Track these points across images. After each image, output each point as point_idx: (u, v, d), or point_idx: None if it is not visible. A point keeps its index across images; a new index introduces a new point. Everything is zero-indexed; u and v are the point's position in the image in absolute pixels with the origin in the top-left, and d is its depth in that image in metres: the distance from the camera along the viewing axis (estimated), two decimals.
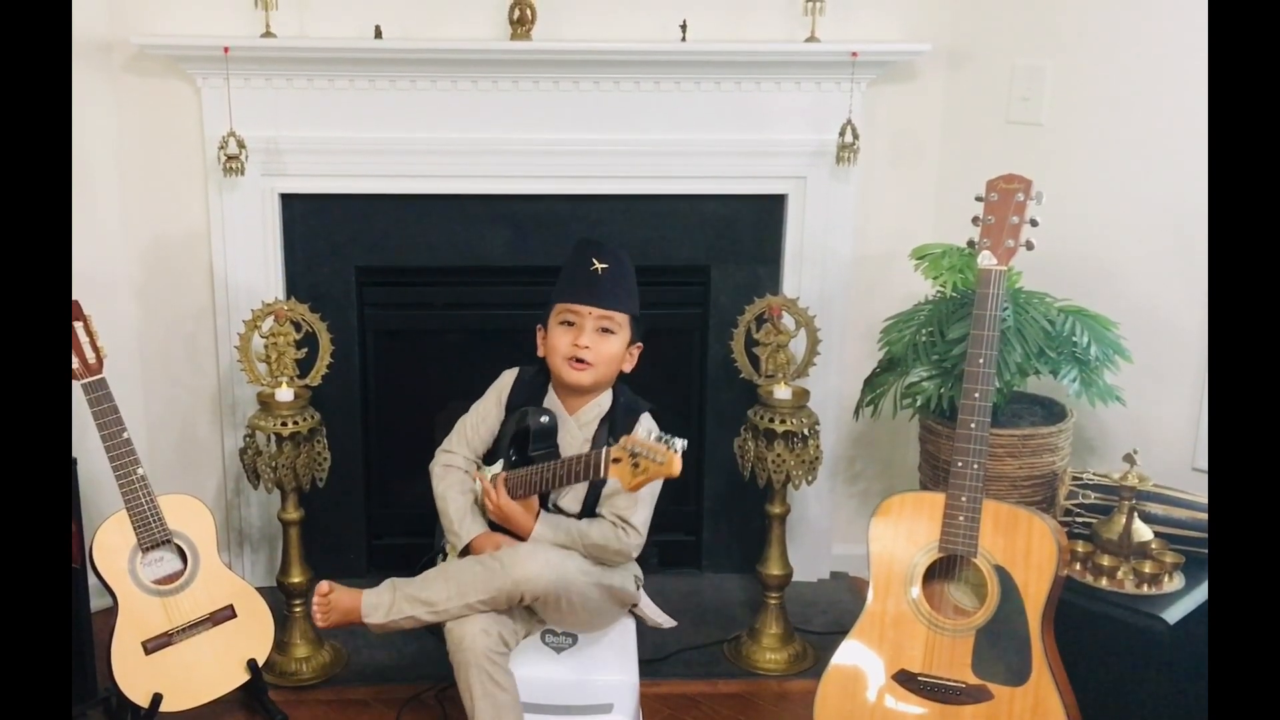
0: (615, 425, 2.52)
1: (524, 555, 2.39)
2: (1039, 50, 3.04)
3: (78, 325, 2.49)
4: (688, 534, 3.50)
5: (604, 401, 2.57)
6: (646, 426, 2.40)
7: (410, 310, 3.28)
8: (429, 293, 3.23)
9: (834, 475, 3.43)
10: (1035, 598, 2.22)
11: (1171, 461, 2.82)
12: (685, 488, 3.49)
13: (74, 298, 2.50)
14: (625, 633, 2.60)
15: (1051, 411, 2.84)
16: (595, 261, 2.47)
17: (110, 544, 2.57)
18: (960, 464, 2.27)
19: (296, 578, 2.91)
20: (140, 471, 2.56)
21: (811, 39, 3.02)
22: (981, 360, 2.28)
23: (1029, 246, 2.33)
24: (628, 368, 2.57)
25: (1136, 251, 2.91)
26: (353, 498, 3.31)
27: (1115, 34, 2.90)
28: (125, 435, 2.53)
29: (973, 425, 2.27)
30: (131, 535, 2.58)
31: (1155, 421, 2.87)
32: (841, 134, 3.05)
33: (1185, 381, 2.85)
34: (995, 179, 2.37)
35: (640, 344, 2.58)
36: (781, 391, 2.87)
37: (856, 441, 3.43)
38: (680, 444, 2.11)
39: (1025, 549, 2.23)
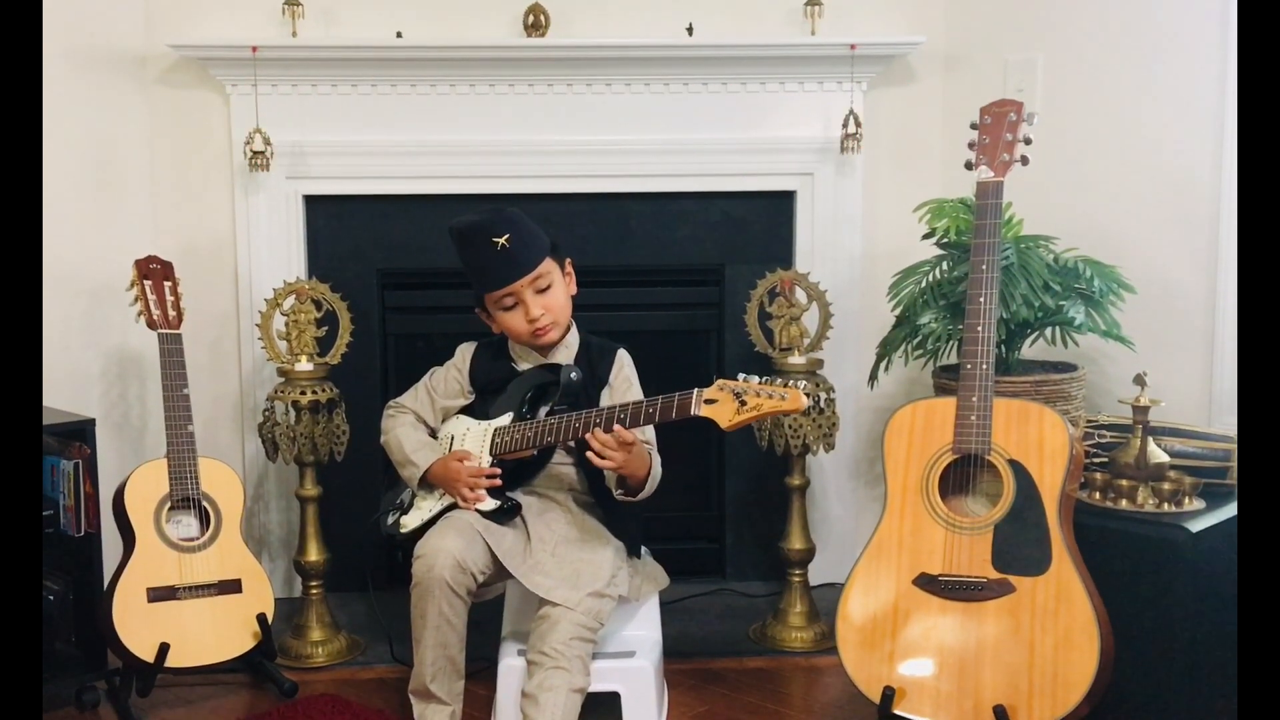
0: (594, 366, 2.57)
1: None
2: (1029, 44, 3.17)
3: (166, 285, 2.73)
4: (710, 541, 3.46)
5: (571, 342, 2.60)
6: (629, 363, 2.57)
7: (432, 314, 3.34)
8: (450, 296, 3.28)
9: (855, 477, 3.40)
10: (1051, 487, 2.19)
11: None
12: (706, 492, 3.47)
13: (168, 260, 2.79)
14: (651, 599, 2.66)
15: (1065, 371, 2.84)
16: (495, 240, 2.44)
17: (143, 487, 2.64)
18: (969, 366, 2.28)
19: (313, 556, 2.90)
20: (190, 429, 2.66)
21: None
22: (984, 266, 2.31)
23: (1024, 161, 2.39)
24: (573, 290, 2.60)
25: (1137, 224, 2.96)
26: (373, 505, 3.29)
27: (1102, 22, 3.03)
28: (185, 391, 2.68)
29: (979, 328, 2.29)
30: (165, 485, 2.64)
31: (1165, 391, 2.86)
32: (845, 125, 3.16)
33: (1194, 349, 2.87)
34: (988, 105, 2.46)
35: (568, 259, 2.60)
36: (795, 357, 2.90)
37: (878, 443, 3.40)
38: (803, 383, 2.18)
39: (1038, 440, 2.22)
